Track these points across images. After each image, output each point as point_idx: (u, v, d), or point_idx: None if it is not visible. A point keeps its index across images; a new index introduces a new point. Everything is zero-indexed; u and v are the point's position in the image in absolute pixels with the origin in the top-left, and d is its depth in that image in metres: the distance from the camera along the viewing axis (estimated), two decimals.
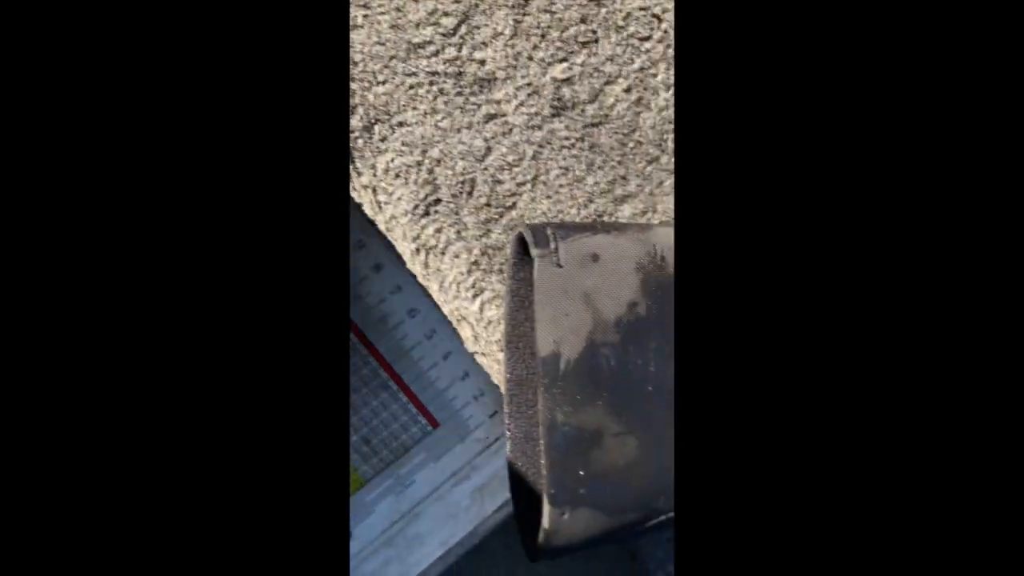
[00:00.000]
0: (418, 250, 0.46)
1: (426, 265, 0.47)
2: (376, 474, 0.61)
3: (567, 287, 0.41)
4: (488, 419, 0.62)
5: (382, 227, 0.47)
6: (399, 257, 0.49)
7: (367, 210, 0.47)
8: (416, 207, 0.46)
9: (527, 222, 0.45)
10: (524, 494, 0.43)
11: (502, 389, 0.45)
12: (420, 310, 0.62)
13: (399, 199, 0.46)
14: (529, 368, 0.45)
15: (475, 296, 0.46)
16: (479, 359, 0.49)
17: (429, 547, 0.59)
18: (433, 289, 0.47)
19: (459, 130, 0.46)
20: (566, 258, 0.41)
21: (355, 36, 0.45)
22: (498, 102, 0.47)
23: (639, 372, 0.41)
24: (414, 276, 0.48)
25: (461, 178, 0.46)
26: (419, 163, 0.46)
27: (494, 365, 0.47)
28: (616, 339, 0.41)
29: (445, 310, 0.48)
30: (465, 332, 0.48)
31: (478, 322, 0.47)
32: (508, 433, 0.44)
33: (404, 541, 0.59)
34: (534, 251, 0.40)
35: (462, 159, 0.46)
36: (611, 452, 0.40)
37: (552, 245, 0.41)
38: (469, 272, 0.46)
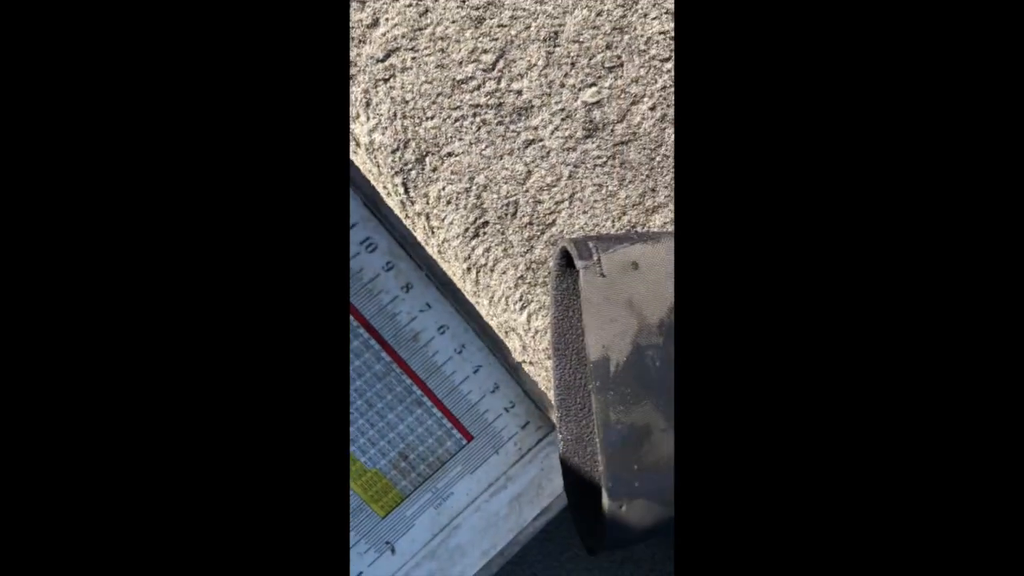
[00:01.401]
0: (469, 269, 0.51)
1: (476, 283, 0.52)
2: (415, 489, 0.61)
3: (611, 295, 0.45)
4: (520, 430, 0.64)
5: (434, 251, 0.52)
6: (428, 277, 0.53)
7: (419, 235, 0.52)
8: (467, 230, 0.50)
9: (569, 237, 0.50)
10: (579, 492, 0.47)
11: (551, 395, 0.50)
12: (449, 326, 0.61)
13: (451, 223, 0.50)
14: (577, 373, 0.50)
15: (522, 308, 0.51)
16: (527, 367, 0.54)
17: (471, 558, 0.60)
18: (483, 304, 0.52)
19: (502, 157, 0.51)
20: (608, 268, 0.45)
21: (405, 77, 0.50)
22: (535, 128, 0.51)
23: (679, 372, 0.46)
24: (443, 294, 0.52)
25: (506, 201, 0.51)
26: (467, 190, 0.50)
27: (542, 372, 0.52)
28: (660, 341, 0.45)
29: (494, 323, 0.53)
30: (513, 343, 0.53)
31: (526, 332, 0.52)
32: (560, 436, 0.49)
33: (446, 553, 0.60)
34: (579, 263, 0.44)
35: (505, 183, 0.51)
36: (660, 446, 0.44)
37: (595, 257, 0.45)
38: (516, 286, 0.51)
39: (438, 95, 0.50)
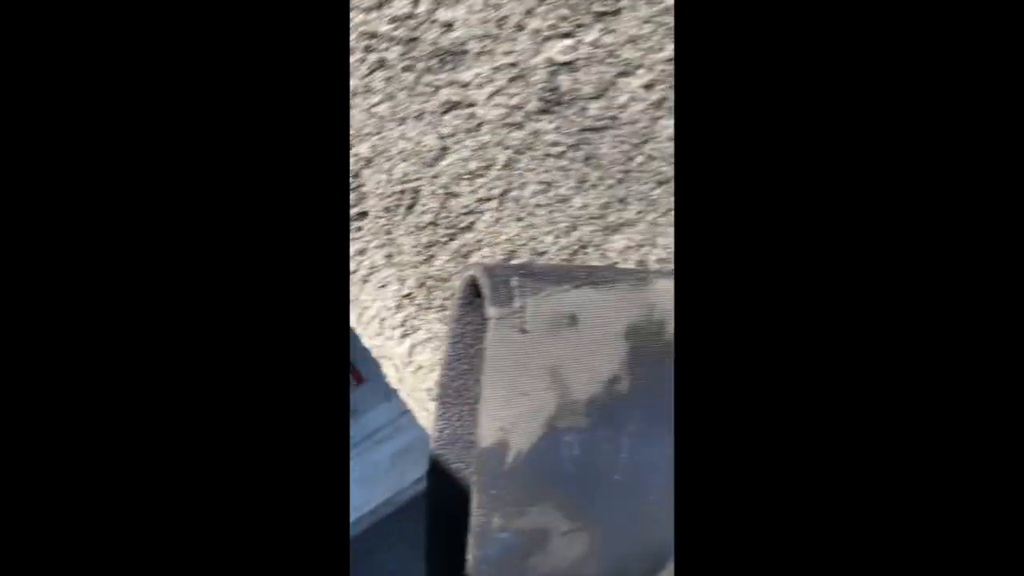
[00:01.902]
0: None
1: None
2: None
3: (529, 360, 0.31)
4: None
5: None
6: None
7: None
8: None
9: (483, 262, 0.34)
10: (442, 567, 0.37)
11: (430, 444, 0.38)
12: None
13: None
14: (467, 429, 0.37)
15: (404, 336, 0.36)
16: (405, 397, 0.40)
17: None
18: (350, 318, 0.37)
19: (404, 120, 0.33)
20: (534, 321, 0.31)
21: None
22: (465, 85, 0.32)
23: (607, 460, 0.34)
24: None
25: (400, 186, 0.34)
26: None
27: (422, 413, 0.39)
28: (584, 423, 0.33)
29: (364, 343, 0.38)
30: (388, 370, 0.38)
31: (405, 365, 0.37)
32: (429, 495, 0.38)
33: None
34: (491, 310, 0.30)
35: (404, 160, 0.33)
36: (555, 554, 0.34)
37: (516, 303, 0.31)
38: (399, 307, 0.36)
39: None
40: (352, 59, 0.31)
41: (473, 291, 0.32)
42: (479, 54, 0.32)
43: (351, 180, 0.33)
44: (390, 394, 0.53)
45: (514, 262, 0.35)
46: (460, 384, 0.36)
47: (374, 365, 0.56)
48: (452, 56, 0.32)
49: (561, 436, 0.32)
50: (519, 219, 0.35)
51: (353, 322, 0.36)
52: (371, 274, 0.35)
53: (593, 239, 0.36)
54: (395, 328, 0.36)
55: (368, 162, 0.33)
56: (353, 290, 0.35)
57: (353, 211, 0.34)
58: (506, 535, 0.33)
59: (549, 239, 0.36)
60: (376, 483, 0.56)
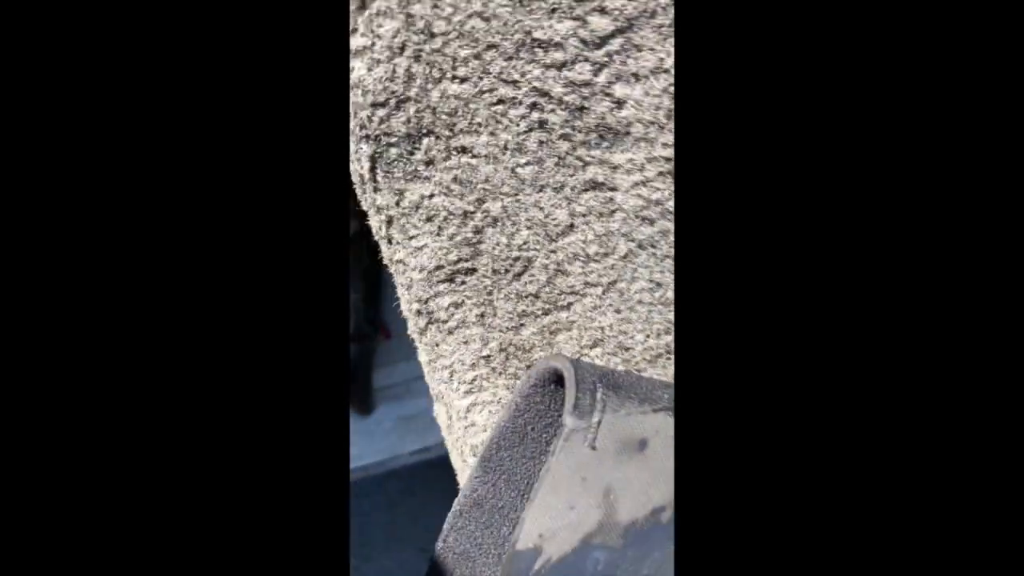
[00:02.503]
0: (420, 313, 0.33)
1: (423, 331, 0.34)
2: None
3: (589, 476, 0.31)
4: None
5: (385, 259, 0.33)
6: None
7: (376, 235, 0.32)
8: (439, 268, 0.31)
9: (572, 357, 0.32)
10: None
11: (457, 499, 0.36)
12: None
13: (420, 249, 0.31)
14: (500, 496, 0.36)
15: (469, 392, 0.34)
16: (446, 438, 0.38)
17: None
18: (421, 358, 0.35)
19: (543, 188, 0.30)
20: (605, 440, 0.31)
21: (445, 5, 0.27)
22: (615, 168, 0.30)
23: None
24: None
25: (517, 253, 0.32)
26: (467, 215, 0.31)
27: (459, 461, 0.37)
28: (618, 543, 0.32)
29: (427, 380, 0.36)
30: (439, 411, 0.36)
31: (460, 418, 0.35)
32: (440, 549, 0.36)
33: None
34: (569, 420, 0.29)
35: (529, 228, 0.31)
36: None
37: (595, 417, 0.30)
38: (474, 366, 0.34)
39: (485, 46, 0.28)
40: (515, 112, 0.29)
41: (553, 378, 0.31)
42: (639, 139, 0.30)
43: (473, 235, 0.31)
44: (411, 355, 0.52)
45: (600, 365, 0.34)
46: (505, 456, 0.34)
47: (403, 324, 0.55)
48: (613, 135, 0.30)
49: (592, 552, 0.32)
50: (618, 311, 0.33)
51: (423, 360, 0.34)
52: (458, 328, 0.33)
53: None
54: (464, 383, 0.34)
55: (495, 221, 0.31)
56: (436, 335, 0.33)
57: (463, 264, 0.31)
58: None
59: (639, 337, 0.34)
60: (373, 441, 0.54)
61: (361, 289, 0.90)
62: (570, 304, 0.33)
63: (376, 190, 0.30)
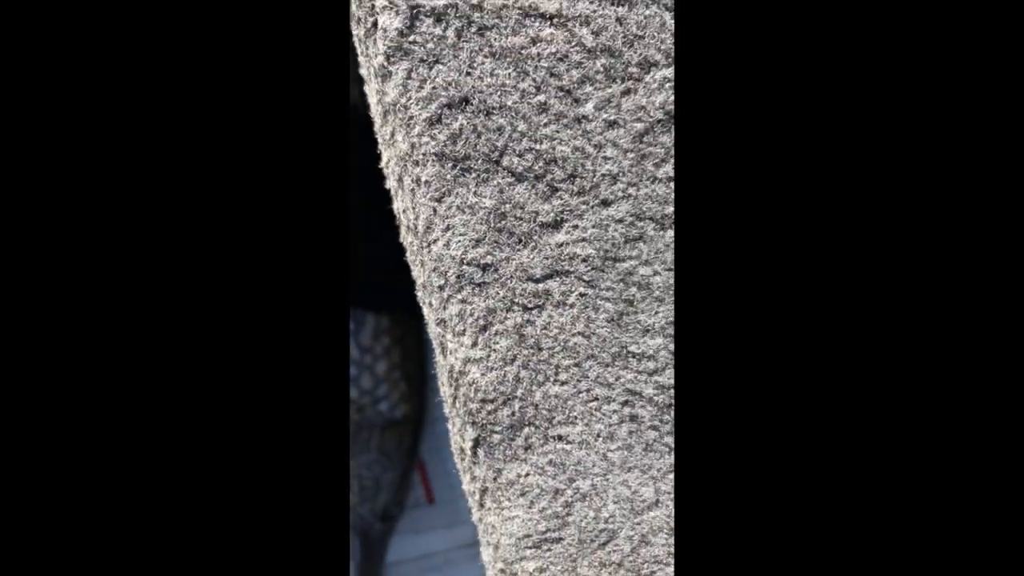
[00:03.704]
0: (504, 571, 0.35)
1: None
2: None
3: None
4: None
5: (474, 518, 0.35)
6: None
7: (469, 498, 0.35)
8: (527, 536, 0.34)
9: None
10: None
11: None
12: None
13: (511, 519, 0.33)
14: None
15: None
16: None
17: None
18: None
19: (631, 470, 0.33)
20: None
21: (557, 314, 0.30)
22: None
23: None
24: None
25: (603, 525, 0.33)
26: (558, 493, 0.33)
27: None
28: None
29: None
30: None
31: None
32: None
33: None
34: None
35: (616, 503, 0.33)
36: None
37: None
38: None
39: (585, 357, 0.31)
40: (608, 407, 0.32)
41: None
42: None
43: (562, 509, 0.33)
44: (453, 524, 0.53)
45: None
46: None
47: (450, 490, 0.55)
48: None
49: None
50: None
51: None
52: None
53: None
54: None
55: (584, 497, 0.33)
56: None
57: (551, 534, 0.33)
58: None
59: None
60: None
61: (398, 467, 0.82)
62: (653, 572, 0.34)
63: (475, 464, 0.33)
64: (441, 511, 0.76)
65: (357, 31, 0.28)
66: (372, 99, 0.29)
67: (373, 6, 0.26)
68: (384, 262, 0.60)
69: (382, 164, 0.30)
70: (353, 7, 0.27)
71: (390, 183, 0.30)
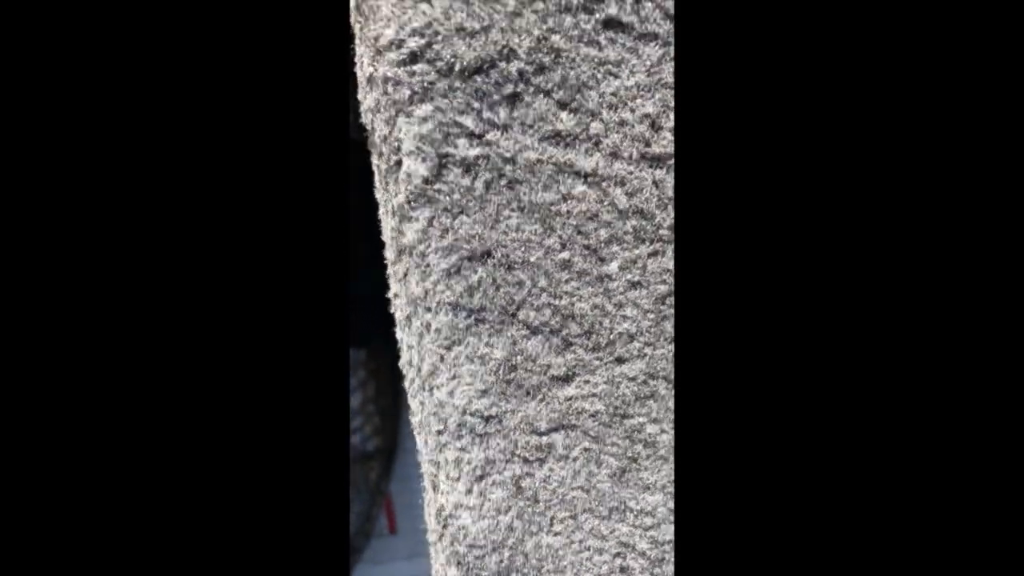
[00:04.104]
0: None
1: None
2: None
3: None
4: None
5: None
6: None
7: None
8: None
9: None
10: None
11: None
12: None
13: None
14: None
15: None
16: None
17: None
18: None
19: None
20: None
21: (557, 469, 0.29)
22: None
23: None
24: None
25: None
26: None
27: None
28: None
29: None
30: None
31: None
32: None
33: None
34: None
35: None
36: None
37: None
38: None
39: (582, 510, 0.30)
40: (599, 558, 0.31)
41: None
42: None
43: None
44: (414, 555, 0.52)
45: None
46: None
47: (412, 520, 0.54)
48: None
49: None
50: None
51: None
52: None
53: None
54: None
55: None
56: None
57: None
58: None
59: None
60: None
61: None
62: None
63: None
64: (404, 541, 0.74)
65: (378, 163, 0.26)
66: (385, 232, 0.27)
67: (399, 147, 0.25)
68: (361, 299, 0.58)
69: (390, 295, 0.28)
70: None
71: (397, 319, 0.28)
